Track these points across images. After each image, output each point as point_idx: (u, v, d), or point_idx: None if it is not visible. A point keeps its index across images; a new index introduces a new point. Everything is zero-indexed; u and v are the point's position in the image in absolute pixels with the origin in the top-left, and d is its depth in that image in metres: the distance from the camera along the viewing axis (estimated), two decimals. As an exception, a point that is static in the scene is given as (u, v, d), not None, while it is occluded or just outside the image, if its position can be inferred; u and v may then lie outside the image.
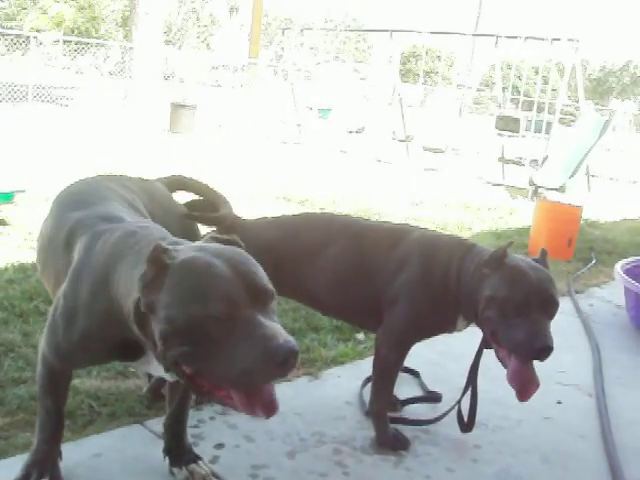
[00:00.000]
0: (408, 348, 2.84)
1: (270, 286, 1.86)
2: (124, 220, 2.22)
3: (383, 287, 2.80)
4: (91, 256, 2.07)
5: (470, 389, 2.97)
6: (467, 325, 2.83)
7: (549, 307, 2.57)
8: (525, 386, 2.59)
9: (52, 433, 2.30)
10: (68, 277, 2.11)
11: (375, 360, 2.86)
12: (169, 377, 2.05)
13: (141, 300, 1.82)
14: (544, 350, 2.48)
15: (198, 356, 1.77)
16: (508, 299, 2.53)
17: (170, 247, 1.87)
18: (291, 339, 1.74)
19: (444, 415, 2.99)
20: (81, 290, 2.04)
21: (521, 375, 2.57)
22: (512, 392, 3.31)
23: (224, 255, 1.85)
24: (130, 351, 2.03)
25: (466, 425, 2.95)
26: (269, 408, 1.81)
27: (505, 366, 2.62)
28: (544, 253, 2.78)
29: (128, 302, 1.88)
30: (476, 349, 2.94)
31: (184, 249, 1.89)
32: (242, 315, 1.74)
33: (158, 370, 2.03)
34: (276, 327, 1.76)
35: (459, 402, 2.97)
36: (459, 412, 2.97)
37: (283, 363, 1.71)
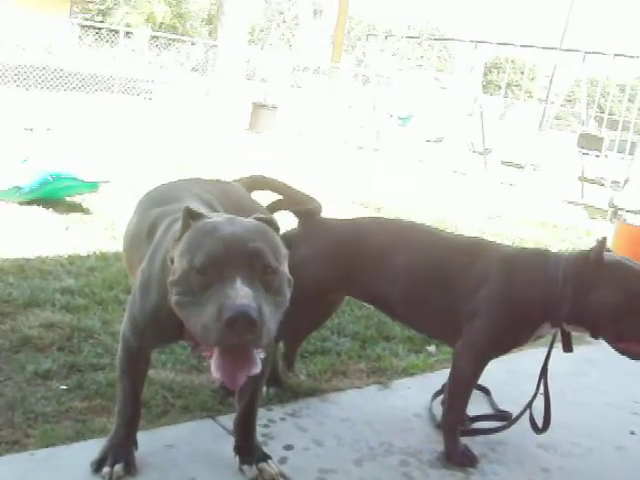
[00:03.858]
0: (486, 362, 2.81)
1: (272, 261, 1.91)
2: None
3: (461, 301, 2.78)
4: (166, 236, 2.20)
5: (543, 391, 2.92)
6: (554, 331, 2.79)
7: None
8: None
9: (129, 419, 2.38)
10: (147, 255, 2.25)
11: (452, 372, 2.84)
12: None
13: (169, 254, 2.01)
14: None
15: (184, 305, 1.90)
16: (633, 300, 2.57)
17: (204, 212, 2.04)
18: (250, 304, 1.76)
19: (516, 419, 2.95)
20: (154, 265, 2.18)
21: None
22: (584, 418, 3.28)
23: (239, 225, 1.97)
24: None
25: (541, 427, 2.92)
26: (232, 378, 1.87)
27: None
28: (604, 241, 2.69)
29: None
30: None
31: (217, 216, 2.04)
32: (221, 274, 1.83)
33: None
34: (245, 291, 1.80)
35: (530, 404, 2.93)
36: (531, 415, 2.94)
37: (230, 323, 1.74)
